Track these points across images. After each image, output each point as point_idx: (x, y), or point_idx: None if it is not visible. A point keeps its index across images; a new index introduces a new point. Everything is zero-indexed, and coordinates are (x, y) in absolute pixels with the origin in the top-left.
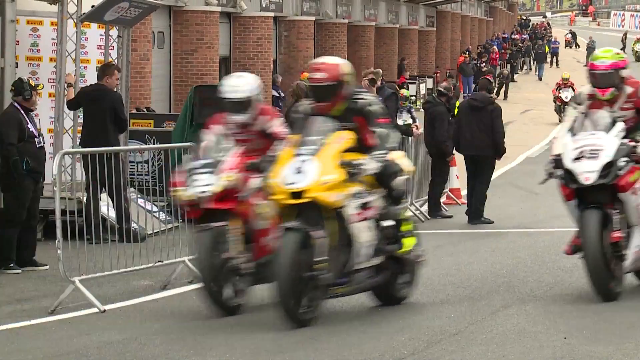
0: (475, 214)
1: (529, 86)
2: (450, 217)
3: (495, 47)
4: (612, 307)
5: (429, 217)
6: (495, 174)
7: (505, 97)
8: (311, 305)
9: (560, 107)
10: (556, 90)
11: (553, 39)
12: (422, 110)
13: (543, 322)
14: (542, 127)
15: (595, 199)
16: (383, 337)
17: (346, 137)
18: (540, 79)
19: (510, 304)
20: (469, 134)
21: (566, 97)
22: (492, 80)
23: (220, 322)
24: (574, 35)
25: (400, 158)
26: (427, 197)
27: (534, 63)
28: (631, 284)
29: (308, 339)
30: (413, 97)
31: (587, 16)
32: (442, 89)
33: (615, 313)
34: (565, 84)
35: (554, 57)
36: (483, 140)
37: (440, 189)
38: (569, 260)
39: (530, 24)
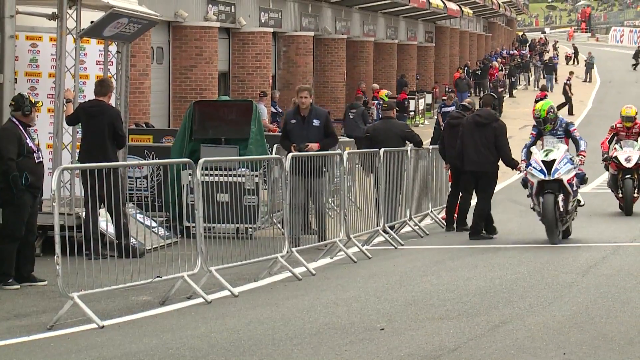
0: (476, 229)
1: (527, 101)
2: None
3: (495, 62)
4: (612, 323)
5: (453, 229)
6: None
7: (500, 112)
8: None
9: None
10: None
11: (553, 55)
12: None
13: (542, 337)
14: None
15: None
16: (382, 353)
17: None
18: (551, 89)
19: (510, 320)
20: (473, 150)
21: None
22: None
23: (218, 337)
24: (576, 50)
25: None
26: (427, 212)
27: (542, 75)
28: (633, 303)
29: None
30: (412, 112)
31: (584, 32)
32: (466, 104)
33: (615, 329)
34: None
35: (554, 73)
36: (486, 157)
37: (469, 204)
38: (568, 275)
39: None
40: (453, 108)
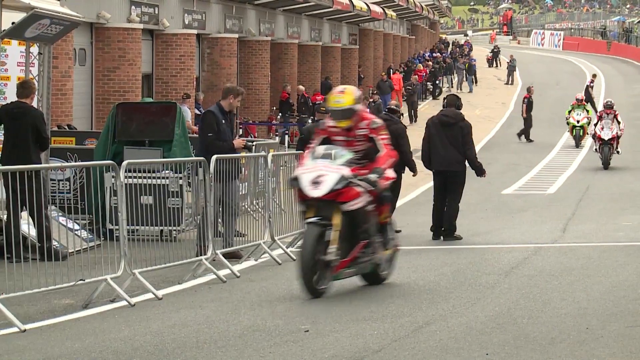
0: (449, 230)
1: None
2: (400, 231)
3: (420, 65)
4: (534, 323)
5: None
6: (418, 191)
7: (415, 119)
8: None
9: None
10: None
11: (471, 57)
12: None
13: (465, 338)
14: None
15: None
16: (306, 355)
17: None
18: (471, 91)
19: (433, 321)
20: (442, 149)
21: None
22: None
23: (142, 340)
24: (495, 53)
25: None
26: None
27: (466, 77)
28: (554, 304)
29: None
30: None
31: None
32: (393, 107)
33: (536, 329)
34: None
35: (474, 75)
36: (455, 156)
37: (394, 205)
38: (490, 276)
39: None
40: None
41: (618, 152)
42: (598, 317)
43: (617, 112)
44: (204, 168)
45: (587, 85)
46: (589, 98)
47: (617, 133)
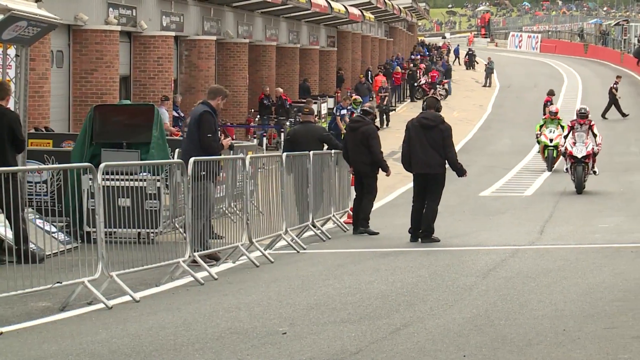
0: (428, 232)
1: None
2: (377, 233)
3: (398, 67)
4: (511, 325)
5: (354, 233)
6: (396, 194)
7: (387, 123)
8: None
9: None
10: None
11: (445, 60)
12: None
13: (443, 340)
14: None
15: None
16: (283, 357)
17: None
18: (449, 92)
19: (411, 323)
20: (421, 152)
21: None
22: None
23: (119, 343)
24: (471, 55)
25: None
26: (329, 216)
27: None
28: (531, 306)
29: None
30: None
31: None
32: (367, 109)
33: (514, 331)
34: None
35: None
36: (435, 159)
37: (371, 205)
38: (468, 278)
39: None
40: (347, 110)
41: (595, 173)
42: (575, 318)
43: (592, 123)
44: (181, 170)
45: (611, 87)
46: (614, 101)
47: (593, 149)
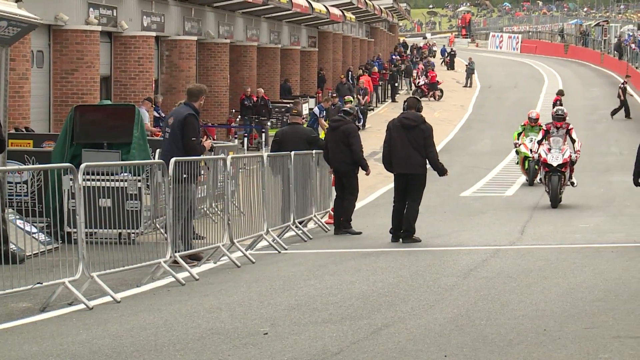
0: (409, 232)
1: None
2: (360, 233)
3: (376, 67)
4: (492, 325)
5: (335, 233)
6: (377, 194)
7: (364, 126)
8: None
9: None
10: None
11: (426, 60)
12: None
13: (424, 340)
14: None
15: None
16: (265, 357)
17: None
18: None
19: (392, 323)
20: (402, 152)
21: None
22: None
23: (100, 344)
24: (452, 56)
25: None
26: (310, 216)
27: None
28: (512, 305)
29: None
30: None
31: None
32: (348, 109)
33: (495, 331)
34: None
35: None
36: (416, 159)
37: (353, 206)
38: (449, 278)
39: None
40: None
41: (572, 184)
42: (556, 318)
43: (571, 127)
44: (162, 171)
45: (620, 88)
46: (624, 103)
47: (570, 156)
